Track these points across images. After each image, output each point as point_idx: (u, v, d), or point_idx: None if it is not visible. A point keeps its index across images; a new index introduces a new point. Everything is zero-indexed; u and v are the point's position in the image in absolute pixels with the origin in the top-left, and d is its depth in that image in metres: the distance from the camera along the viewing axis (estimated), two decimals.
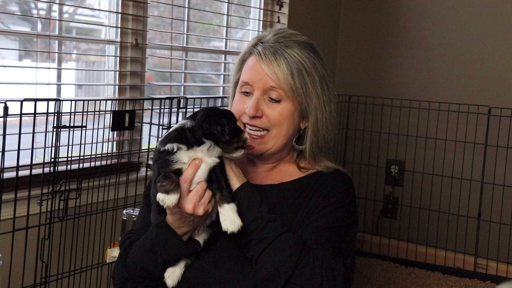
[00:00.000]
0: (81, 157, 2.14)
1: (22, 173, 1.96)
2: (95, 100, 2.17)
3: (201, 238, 1.44)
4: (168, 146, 1.35)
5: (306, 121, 1.55)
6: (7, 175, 1.96)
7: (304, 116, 1.55)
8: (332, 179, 1.56)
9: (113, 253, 2.13)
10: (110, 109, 2.28)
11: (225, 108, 1.48)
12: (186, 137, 1.36)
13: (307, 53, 1.53)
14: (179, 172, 1.35)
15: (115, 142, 2.54)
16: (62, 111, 2.01)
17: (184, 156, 1.35)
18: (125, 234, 1.61)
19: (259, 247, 1.40)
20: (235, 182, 1.43)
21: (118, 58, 2.61)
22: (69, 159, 2.09)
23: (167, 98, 2.41)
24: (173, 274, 1.43)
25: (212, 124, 1.35)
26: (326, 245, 1.43)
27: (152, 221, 1.49)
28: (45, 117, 1.99)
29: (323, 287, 1.37)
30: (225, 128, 1.35)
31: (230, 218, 1.34)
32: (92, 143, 2.19)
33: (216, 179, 1.37)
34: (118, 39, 2.60)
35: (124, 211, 2.17)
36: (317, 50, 1.59)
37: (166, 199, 1.31)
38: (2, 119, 1.83)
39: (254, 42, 1.56)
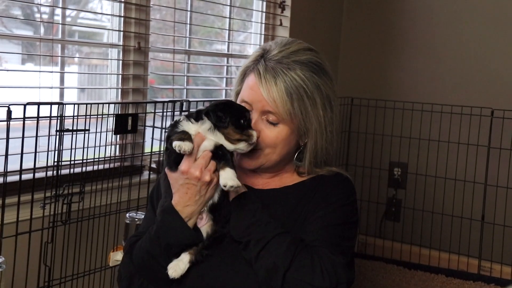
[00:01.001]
0: (84, 161, 2.15)
1: (25, 176, 1.96)
2: (98, 103, 2.18)
3: (204, 229, 1.46)
4: (177, 118, 1.48)
5: (306, 138, 1.54)
6: (10, 178, 1.96)
7: (303, 134, 1.53)
8: (333, 181, 1.56)
9: (116, 256, 2.13)
10: (113, 113, 2.28)
11: (234, 102, 1.53)
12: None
13: (310, 74, 1.49)
14: None
15: (118, 146, 2.55)
16: (65, 115, 2.01)
17: (190, 126, 1.43)
18: (130, 238, 1.61)
19: (258, 246, 1.42)
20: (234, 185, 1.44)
21: (120, 61, 2.61)
22: (72, 162, 2.09)
23: (169, 101, 2.42)
24: (176, 267, 1.43)
25: (217, 109, 1.43)
26: (324, 242, 1.44)
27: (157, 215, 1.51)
28: (48, 120, 1.99)
29: (324, 279, 1.37)
30: (227, 117, 1.42)
31: (229, 175, 1.40)
32: (95, 146, 2.19)
33: (222, 154, 1.43)
34: (121, 43, 2.60)
35: (127, 215, 2.17)
36: (324, 68, 1.55)
37: (182, 145, 1.38)
38: (5, 123, 1.83)
39: (258, 54, 1.54)
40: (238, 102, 1.56)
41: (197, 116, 1.44)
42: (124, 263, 1.55)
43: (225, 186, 1.40)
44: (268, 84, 1.47)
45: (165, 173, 1.48)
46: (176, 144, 1.38)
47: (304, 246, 1.41)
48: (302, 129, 1.51)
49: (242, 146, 1.44)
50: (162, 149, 2.43)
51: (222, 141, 1.43)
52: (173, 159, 1.44)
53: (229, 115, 1.43)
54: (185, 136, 1.41)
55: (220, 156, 1.43)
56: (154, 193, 1.64)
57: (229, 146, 1.44)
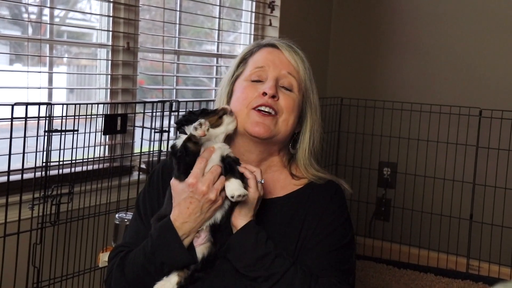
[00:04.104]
0: (73, 161, 2.13)
1: (13, 177, 1.95)
2: (87, 104, 2.17)
3: (200, 250, 1.41)
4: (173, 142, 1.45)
5: (299, 126, 1.56)
6: None
7: (303, 114, 1.56)
8: (325, 193, 1.54)
9: (106, 257, 2.12)
10: (102, 113, 2.27)
11: None
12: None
13: (303, 54, 1.59)
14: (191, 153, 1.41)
15: (107, 146, 2.54)
16: (54, 115, 2.00)
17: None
18: (115, 248, 1.54)
19: (269, 282, 1.38)
20: (242, 219, 1.40)
21: (109, 61, 2.60)
22: (61, 163, 2.08)
23: (159, 101, 2.41)
24: (162, 287, 1.39)
25: (184, 117, 1.44)
26: (331, 270, 1.44)
27: (152, 223, 1.45)
28: (37, 121, 1.98)
29: None
30: (193, 114, 1.42)
31: (236, 185, 1.36)
32: (84, 147, 2.18)
33: (229, 166, 1.39)
34: (110, 43, 2.59)
35: (117, 215, 2.16)
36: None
37: (198, 129, 1.35)
38: None
39: (256, 43, 1.60)
40: (246, 75, 1.54)
41: (179, 128, 1.44)
42: (116, 279, 1.46)
43: (232, 197, 1.34)
44: (288, 49, 1.55)
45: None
46: (191, 130, 1.36)
47: (315, 280, 1.40)
48: (305, 105, 1.55)
49: (227, 122, 1.44)
50: (151, 149, 2.43)
51: (212, 132, 1.40)
52: (183, 169, 1.39)
53: (193, 113, 1.43)
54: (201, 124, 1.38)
55: (226, 169, 1.39)
56: (140, 200, 1.57)
57: (219, 130, 1.43)
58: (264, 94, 1.48)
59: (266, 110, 1.48)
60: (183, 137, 1.40)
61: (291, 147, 1.57)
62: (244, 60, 1.58)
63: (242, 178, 1.38)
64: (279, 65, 1.52)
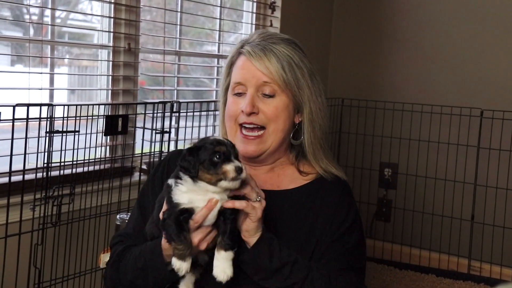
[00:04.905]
0: (74, 162, 2.14)
1: (14, 178, 1.96)
2: (88, 104, 2.17)
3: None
4: (170, 181, 1.36)
5: (300, 116, 1.57)
6: None
7: (297, 109, 1.56)
8: (334, 191, 1.56)
9: (107, 258, 2.11)
10: (103, 114, 2.27)
11: (214, 137, 1.38)
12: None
13: (293, 48, 1.56)
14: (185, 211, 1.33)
15: (108, 147, 2.54)
16: (55, 116, 2.00)
17: (181, 193, 1.33)
18: (115, 236, 1.59)
19: None
20: (253, 237, 1.40)
21: (111, 62, 2.60)
22: (62, 164, 2.08)
23: (160, 102, 2.41)
24: None
25: (183, 159, 1.33)
26: (348, 270, 1.48)
27: (147, 230, 1.47)
28: (38, 122, 1.98)
29: None
30: (195, 162, 1.31)
31: (222, 267, 1.32)
32: (85, 148, 2.18)
33: (223, 222, 1.34)
34: (111, 44, 2.59)
35: (118, 216, 2.16)
36: (301, 47, 1.61)
37: (182, 267, 1.30)
38: None
39: (240, 45, 1.58)
40: (230, 90, 1.56)
41: (177, 175, 1.35)
42: (111, 274, 1.51)
43: (216, 277, 1.32)
44: (259, 56, 1.52)
45: (167, 184, 1.40)
46: (175, 265, 1.30)
47: (334, 281, 1.44)
48: (298, 99, 1.54)
49: (226, 185, 1.31)
50: (152, 150, 2.43)
51: (208, 188, 1.32)
52: (173, 233, 1.34)
53: (196, 159, 1.31)
54: (186, 252, 1.31)
55: (221, 222, 1.34)
56: (144, 196, 1.61)
57: (215, 189, 1.32)
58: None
59: (250, 127, 1.52)
60: (176, 193, 1.33)
61: (293, 138, 1.59)
62: (229, 68, 1.60)
63: (233, 235, 1.35)
64: (254, 78, 1.52)
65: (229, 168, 1.30)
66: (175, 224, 1.32)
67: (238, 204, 1.34)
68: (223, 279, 1.31)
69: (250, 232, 1.39)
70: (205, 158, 1.31)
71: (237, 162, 1.32)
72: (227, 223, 1.34)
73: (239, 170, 1.30)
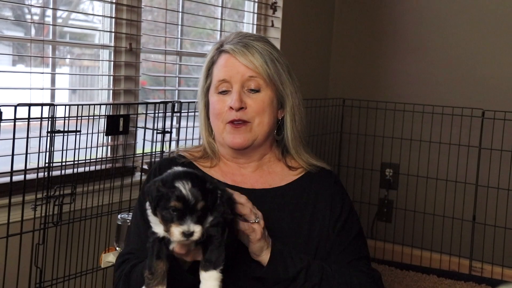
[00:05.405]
0: (76, 162, 2.14)
1: (16, 178, 1.96)
2: (89, 104, 2.17)
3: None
4: (146, 205, 1.29)
5: (282, 111, 1.59)
6: (1, 180, 1.96)
7: (281, 104, 1.58)
8: (325, 182, 1.59)
9: (108, 258, 2.12)
10: (104, 114, 2.27)
11: (181, 183, 1.22)
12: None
13: (270, 45, 1.58)
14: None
15: (109, 147, 2.54)
16: (56, 116, 2.00)
17: (157, 225, 1.26)
18: (121, 255, 1.53)
19: None
20: (264, 255, 1.40)
21: (112, 62, 2.60)
22: (64, 164, 2.08)
23: (161, 102, 2.41)
24: None
25: (149, 191, 1.25)
26: (358, 259, 1.52)
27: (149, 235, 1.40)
28: (39, 122, 1.98)
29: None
30: (151, 200, 1.23)
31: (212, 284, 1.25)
32: (86, 147, 2.18)
33: (207, 239, 1.24)
34: (112, 44, 2.59)
35: (119, 216, 2.16)
36: (275, 46, 1.64)
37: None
38: None
39: (218, 45, 1.58)
40: (213, 89, 1.55)
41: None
42: None
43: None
44: (242, 52, 1.52)
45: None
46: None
47: (348, 274, 1.46)
48: (281, 93, 1.56)
49: (173, 238, 1.21)
50: (153, 150, 2.43)
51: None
52: (148, 260, 1.28)
53: (155, 200, 1.22)
54: (154, 282, 1.24)
55: (206, 239, 1.24)
56: (142, 206, 1.49)
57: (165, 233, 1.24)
58: (232, 108, 1.51)
59: (239, 122, 1.52)
60: (151, 220, 1.26)
61: (276, 134, 1.60)
62: (209, 70, 1.59)
63: (216, 253, 1.25)
64: (238, 73, 1.52)
65: (175, 231, 1.20)
66: (152, 251, 1.27)
67: (241, 225, 1.35)
68: None
69: (257, 253, 1.40)
70: (161, 206, 1.21)
71: (191, 224, 1.19)
72: (212, 241, 1.25)
73: (186, 235, 1.19)
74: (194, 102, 2.60)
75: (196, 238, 1.20)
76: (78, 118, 2.09)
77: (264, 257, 1.40)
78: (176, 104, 2.44)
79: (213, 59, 1.58)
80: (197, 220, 1.20)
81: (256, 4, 3.46)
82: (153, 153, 2.45)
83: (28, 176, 2.00)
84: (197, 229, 1.20)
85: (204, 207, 1.22)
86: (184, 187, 1.20)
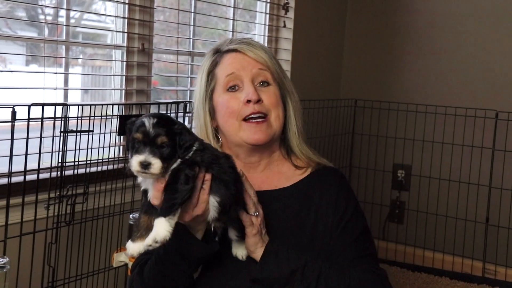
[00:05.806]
0: (88, 162, 2.15)
1: (29, 177, 1.97)
2: (102, 104, 2.18)
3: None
4: None
5: (285, 105, 1.59)
6: (14, 179, 1.96)
7: (283, 102, 1.58)
8: (331, 181, 1.57)
9: (120, 257, 2.13)
10: (116, 114, 2.28)
11: (148, 115, 1.27)
12: None
13: (262, 44, 1.64)
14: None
15: (121, 147, 2.55)
16: (69, 116, 2.01)
17: (144, 183, 1.31)
18: (136, 258, 1.52)
19: None
20: (258, 251, 1.40)
21: (124, 63, 2.61)
22: (76, 163, 2.09)
23: (173, 102, 2.42)
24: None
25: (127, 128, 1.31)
26: (362, 257, 1.50)
27: None
28: (52, 121, 1.99)
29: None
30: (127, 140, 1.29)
31: (154, 231, 1.22)
32: (99, 147, 2.19)
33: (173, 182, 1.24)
34: (125, 44, 2.60)
35: (131, 216, 2.17)
36: None
37: (129, 247, 1.27)
38: (10, 123, 1.84)
39: (214, 51, 1.58)
40: (221, 87, 1.52)
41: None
42: (136, 285, 1.47)
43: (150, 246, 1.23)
44: (249, 48, 1.54)
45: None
46: (127, 246, 1.28)
47: (348, 272, 1.44)
48: (284, 90, 1.57)
49: (132, 168, 1.23)
50: None
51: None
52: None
53: (127, 134, 1.27)
54: (136, 233, 1.26)
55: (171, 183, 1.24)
56: None
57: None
58: (248, 101, 1.49)
59: (257, 116, 1.50)
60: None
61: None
62: (210, 73, 1.56)
63: (171, 199, 1.23)
64: (249, 66, 1.52)
65: (133, 160, 1.22)
66: (142, 206, 1.31)
67: (242, 216, 1.37)
68: (163, 238, 1.21)
69: (251, 248, 1.40)
70: (129, 139, 1.25)
71: (150, 156, 1.20)
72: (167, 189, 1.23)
73: (144, 166, 1.20)
74: None
75: (154, 171, 1.20)
76: (91, 118, 2.10)
77: (258, 254, 1.41)
78: (188, 104, 2.45)
79: (215, 61, 1.56)
80: (159, 155, 1.21)
81: (268, 5, 3.46)
82: None
83: (41, 176, 2.01)
84: (154, 161, 1.20)
85: (168, 145, 1.22)
86: (148, 122, 1.22)
